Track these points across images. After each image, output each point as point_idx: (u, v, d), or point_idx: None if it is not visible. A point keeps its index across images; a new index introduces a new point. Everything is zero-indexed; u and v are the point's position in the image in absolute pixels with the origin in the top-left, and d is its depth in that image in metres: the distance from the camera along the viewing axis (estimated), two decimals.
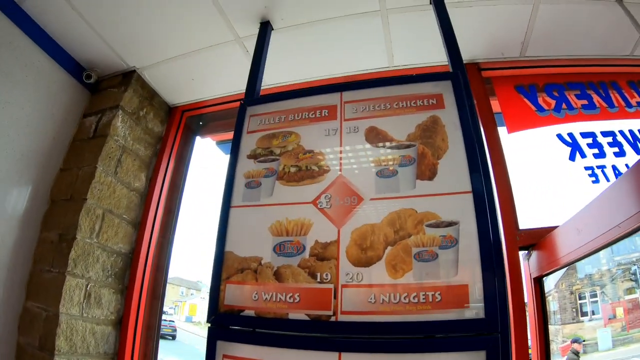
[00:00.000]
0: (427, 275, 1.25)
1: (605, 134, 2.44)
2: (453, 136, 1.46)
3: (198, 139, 3.32)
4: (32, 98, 2.46)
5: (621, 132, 2.44)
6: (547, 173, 2.55)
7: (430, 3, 2.15)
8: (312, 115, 1.72)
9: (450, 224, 1.30)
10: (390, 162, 1.48)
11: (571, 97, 2.57)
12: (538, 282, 2.11)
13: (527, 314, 2.07)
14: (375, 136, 1.55)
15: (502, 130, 2.53)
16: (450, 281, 1.22)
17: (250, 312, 1.38)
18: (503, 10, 2.31)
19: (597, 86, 2.59)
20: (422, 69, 2.66)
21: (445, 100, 1.56)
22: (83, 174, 2.45)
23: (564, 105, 2.55)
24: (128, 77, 2.80)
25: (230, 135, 1.94)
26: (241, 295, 1.42)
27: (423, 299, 1.22)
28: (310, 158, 1.59)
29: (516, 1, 2.26)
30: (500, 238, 1.29)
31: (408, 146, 1.48)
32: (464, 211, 1.30)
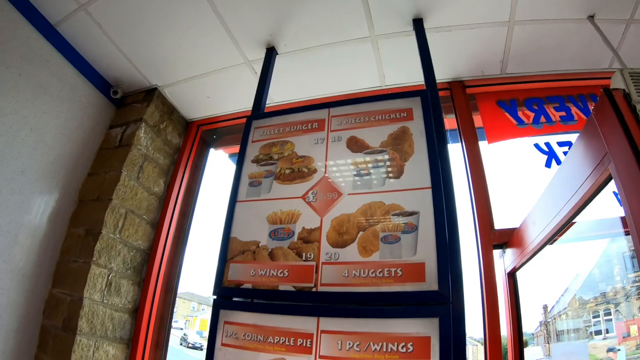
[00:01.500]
0: (390, 255, 1.52)
1: None
2: (419, 143, 1.75)
3: (212, 151, 3.59)
4: (65, 109, 2.75)
5: None
6: (524, 179, 2.71)
7: (413, 29, 2.43)
8: (304, 127, 2.04)
9: (411, 213, 1.58)
10: (365, 165, 1.78)
11: (550, 110, 2.76)
12: (511, 277, 2.30)
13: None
14: (354, 144, 1.86)
15: (483, 143, 2.72)
16: (410, 259, 1.49)
17: (248, 286, 1.68)
18: (480, 32, 2.52)
19: (576, 99, 2.76)
20: (410, 87, 2.90)
21: (414, 113, 1.85)
22: (109, 178, 2.74)
23: (542, 118, 2.73)
24: (150, 94, 3.11)
25: None
26: (242, 271, 1.72)
27: (387, 274, 1.49)
28: (302, 162, 1.90)
29: (492, 24, 2.47)
30: (455, 225, 1.54)
31: (380, 152, 1.78)
32: (423, 203, 1.58)
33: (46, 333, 2.41)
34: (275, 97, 3.14)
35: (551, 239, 1.83)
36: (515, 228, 2.27)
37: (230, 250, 1.79)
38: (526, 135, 2.73)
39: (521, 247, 2.11)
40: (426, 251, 1.49)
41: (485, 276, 2.25)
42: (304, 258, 1.64)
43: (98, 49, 2.83)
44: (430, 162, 1.67)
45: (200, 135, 3.43)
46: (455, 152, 2.72)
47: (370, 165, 1.77)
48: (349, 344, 1.42)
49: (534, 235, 1.93)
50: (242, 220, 1.86)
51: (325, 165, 1.86)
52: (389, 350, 1.37)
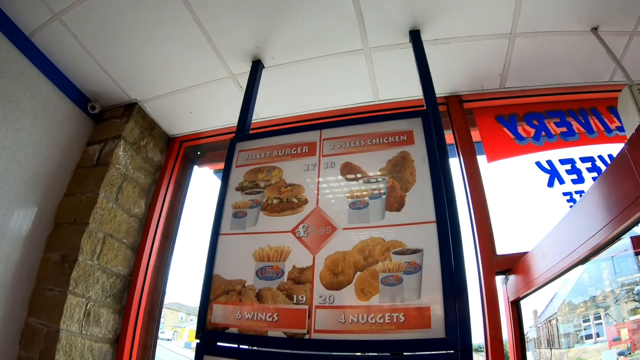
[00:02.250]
0: (392, 298, 1.37)
1: (584, 159, 2.53)
2: (421, 170, 1.61)
3: (196, 168, 3.45)
4: (40, 126, 2.60)
5: (600, 157, 2.52)
6: (526, 200, 2.63)
7: (410, 41, 2.30)
8: (294, 151, 1.88)
9: (414, 251, 1.43)
10: (362, 195, 1.62)
11: (551, 125, 2.68)
12: (515, 305, 2.20)
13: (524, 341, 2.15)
14: (349, 171, 1.70)
15: (482, 159, 2.63)
16: (414, 304, 1.35)
17: (234, 330, 1.52)
18: (480, 45, 2.44)
19: (577, 113, 2.69)
20: (406, 103, 2.80)
21: (415, 136, 1.71)
22: (86, 199, 2.58)
23: (543, 134, 2.65)
24: (130, 108, 2.96)
25: None
26: (226, 314, 1.56)
27: (388, 319, 1.34)
28: (291, 191, 1.74)
29: (493, 36, 2.38)
30: (462, 265, 1.40)
31: (378, 180, 1.63)
32: (428, 240, 1.44)
33: None
34: (262, 112, 3.01)
35: (564, 273, 1.70)
36: (519, 253, 2.17)
37: (213, 289, 1.63)
38: (527, 153, 2.65)
39: (528, 277, 2.00)
40: (432, 294, 1.35)
41: (488, 305, 2.15)
42: (295, 301, 1.48)
43: (74, 61, 2.69)
44: (435, 193, 1.52)
45: (184, 152, 3.29)
46: (453, 169, 2.62)
47: (367, 195, 1.61)
48: None
49: (543, 268, 1.82)
50: (225, 256, 1.69)
51: (317, 195, 1.70)
52: None
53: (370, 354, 1.34)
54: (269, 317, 1.49)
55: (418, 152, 1.66)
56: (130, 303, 2.70)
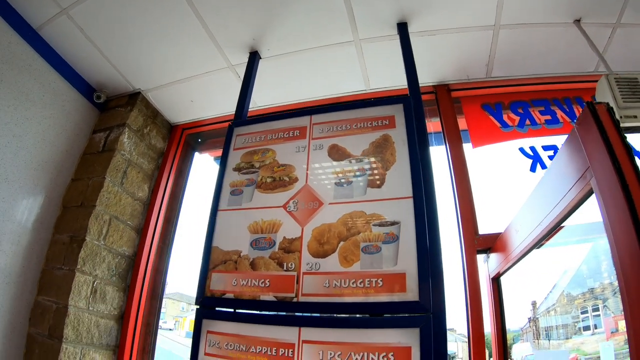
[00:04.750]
0: (371, 265, 1.51)
1: None
2: (400, 151, 1.74)
3: (197, 154, 3.56)
4: (48, 115, 2.73)
5: None
6: (509, 184, 2.73)
7: (397, 33, 2.43)
8: (286, 135, 2.02)
9: (393, 223, 1.57)
10: (347, 174, 1.77)
11: (535, 113, 2.76)
12: (496, 282, 2.29)
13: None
14: (336, 152, 1.85)
15: (468, 147, 2.72)
16: (391, 270, 1.48)
17: (230, 295, 1.67)
18: (466, 36, 2.53)
19: (562, 102, 2.76)
20: (396, 91, 2.91)
21: (397, 120, 1.84)
22: (93, 184, 2.72)
23: (527, 122, 2.73)
24: (134, 98, 3.09)
25: None
26: (224, 281, 1.71)
27: (368, 284, 1.48)
28: (283, 170, 1.89)
29: (477, 28, 2.47)
30: (436, 236, 1.52)
31: (362, 160, 1.77)
32: (405, 213, 1.57)
33: (32, 341, 2.39)
34: (259, 101, 3.13)
35: (534, 246, 1.83)
36: (500, 233, 2.26)
37: (212, 259, 1.78)
38: (511, 139, 2.73)
39: (505, 253, 2.11)
40: (407, 261, 1.48)
41: (470, 281, 2.26)
42: (285, 268, 1.63)
43: (81, 53, 2.81)
44: (412, 171, 1.66)
45: (185, 139, 3.41)
46: (440, 155, 2.74)
47: (351, 174, 1.76)
48: (330, 354, 1.42)
49: (517, 242, 1.93)
50: (223, 230, 1.85)
51: (307, 174, 1.84)
52: None
53: (351, 315, 1.48)
54: (262, 283, 1.63)
55: (399, 135, 1.79)
56: (134, 282, 2.83)
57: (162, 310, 3.03)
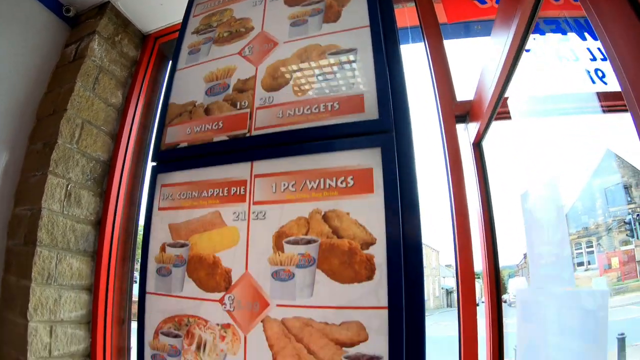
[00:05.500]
0: (327, 89, 1.44)
1: (548, 22, 2.48)
2: None
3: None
4: (20, 34, 2.68)
5: (565, 20, 2.47)
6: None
7: None
8: None
9: (349, 50, 1.49)
10: (302, 15, 1.67)
11: None
12: (477, 147, 2.25)
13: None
14: None
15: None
16: (348, 93, 1.41)
17: (184, 144, 1.61)
18: None
19: None
20: None
21: None
22: (64, 91, 2.65)
23: None
24: (103, 7, 2.99)
25: None
26: (178, 133, 1.65)
27: (323, 108, 1.41)
28: (240, 23, 1.80)
29: None
30: (397, 58, 1.44)
31: (318, 1, 1.67)
32: (361, 41, 1.48)
33: (10, 253, 2.37)
34: None
35: (506, 82, 1.72)
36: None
37: (168, 115, 1.71)
38: (488, 15, 2.67)
39: (481, 111, 2.03)
40: (365, 85, 1.41)
41: (450, 151, 2.19)
42: (238, 107, 1.55)
43: None
44: (369, 2, 1.56)
45: (158, 48, 3.32)
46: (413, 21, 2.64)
47: (306, 14, 1.66)
48: (284, 185, 1.36)
49: (488, 97, 1.86)
50: (180, 87, 1.77)
51: (263, 22, 1.75)
52: (327, 186, 1.30)
53: (306, 141, 1.40)
54: (215, 125, 1.56)
55: None
56: (109, 187, 2.78)
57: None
